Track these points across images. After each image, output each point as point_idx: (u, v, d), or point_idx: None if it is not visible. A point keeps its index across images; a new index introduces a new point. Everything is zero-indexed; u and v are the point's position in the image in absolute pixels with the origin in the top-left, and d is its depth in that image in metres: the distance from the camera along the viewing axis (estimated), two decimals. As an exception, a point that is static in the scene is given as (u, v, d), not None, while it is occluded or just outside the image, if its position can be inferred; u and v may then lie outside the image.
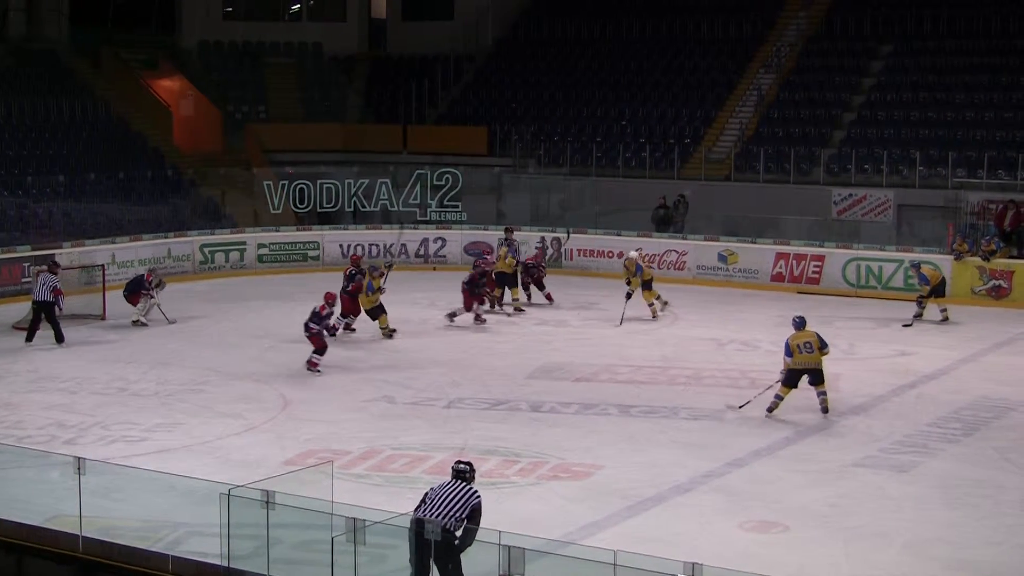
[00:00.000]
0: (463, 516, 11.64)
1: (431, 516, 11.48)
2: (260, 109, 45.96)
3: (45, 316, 25.67)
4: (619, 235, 35.32)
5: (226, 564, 11.09)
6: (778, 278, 32.89)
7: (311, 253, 36.04)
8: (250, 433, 19.31)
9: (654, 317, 28.81)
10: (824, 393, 20.43)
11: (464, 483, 12.01)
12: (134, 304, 28.23)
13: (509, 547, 10.39)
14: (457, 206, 37.45)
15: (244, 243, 35.68)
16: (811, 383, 20.41)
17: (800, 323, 20.69)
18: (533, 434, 19.24)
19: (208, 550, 11.38)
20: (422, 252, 36.79)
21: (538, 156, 41.22)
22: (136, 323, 27.75)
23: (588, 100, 43.16)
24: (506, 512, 15.19)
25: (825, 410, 20.37)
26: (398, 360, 24.52)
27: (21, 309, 28.55)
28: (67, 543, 11.66)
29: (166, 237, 34.46)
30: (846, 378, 22.92)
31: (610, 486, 16.74)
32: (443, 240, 36.78)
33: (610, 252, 35.03)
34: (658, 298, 29.14)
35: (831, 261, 32.31)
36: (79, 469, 11.89)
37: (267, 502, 11.09)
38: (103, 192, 37.21)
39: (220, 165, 41.33)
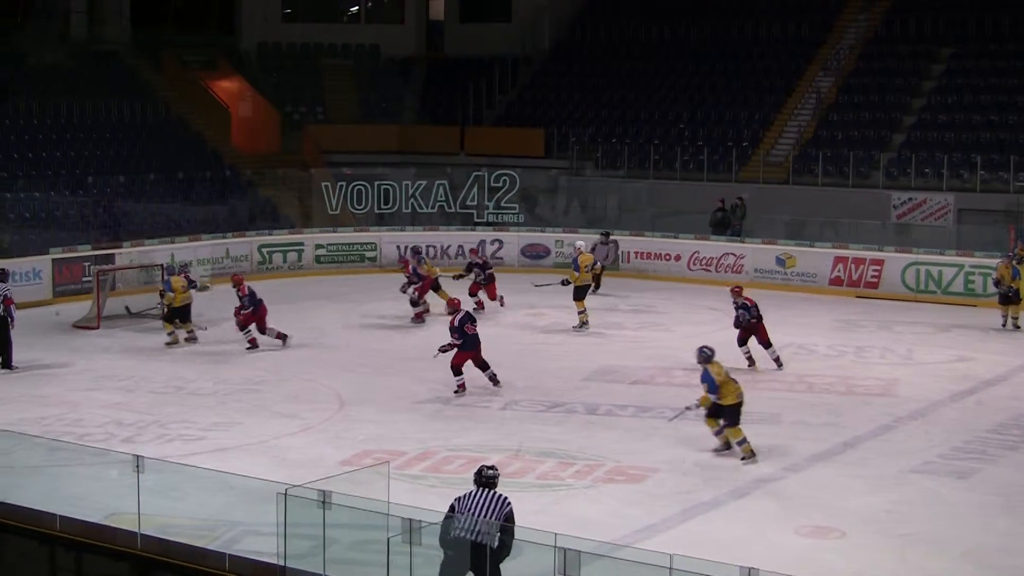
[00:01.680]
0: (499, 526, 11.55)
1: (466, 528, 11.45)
2: (318, 110, 46.15)
3: None
4: (676, 238, 35.27)
5: (282, 563, 11.12)
6: (836, 282, 32.69)
7: (368, 254, 36.15)
8: (306, 433, 19.37)
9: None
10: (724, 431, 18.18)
11: (491, 490, 11.90)
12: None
13: (565, 549, 10.36)
14: (514, 208, 37.47)
15: (302, 244, 35.85)
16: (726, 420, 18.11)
17: (711, 354, 18.40)
18: (589, 437, 19.21)
19: (264, 549, 11.42)
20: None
21: (595, 158, 41.18)
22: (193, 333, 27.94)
23: (646, 102, 43.07)
24: (561, 514, 15.21)
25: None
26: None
27: (82, 308, 28.85)
28: (125, 540, 11.73)
29: (224, 237, 34.66)
30: (904, 383, 22.77)
31: (666, 489, 16.69)
32: (500, 242, 36.79)
33: (667, 255, 34.99)
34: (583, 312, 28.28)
35: (890, 265, 32.07)
36: (138, 467, 11.96)
37: (323, 502, 11.11)
38: (162, 192, 37.48)
39: (278, 166, 41.51)
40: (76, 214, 35.10)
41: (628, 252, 35.41)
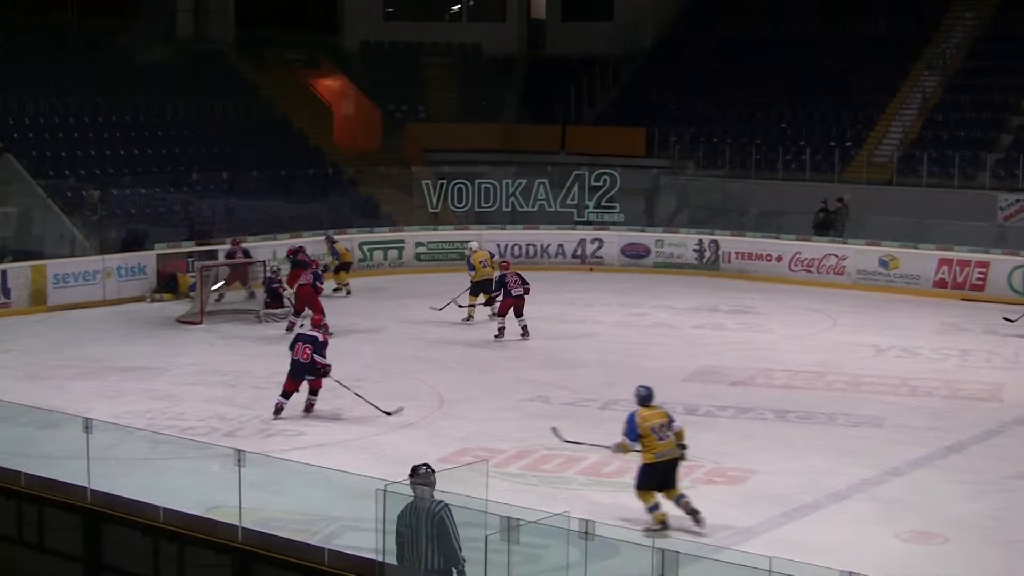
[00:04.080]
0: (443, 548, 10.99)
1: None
2: (419, 109, 46.34)
3: None
4: (778, 238, 35.01)
5: (381, 559, 11.15)
6: (941, 284, 32.26)
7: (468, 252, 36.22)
8: (406, 430, 19.43)
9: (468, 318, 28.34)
10: (683, 495, 15.18)
11: (427, 503, 11.12)
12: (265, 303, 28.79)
13: (663, 550, 10.30)
14: (614, 207, 37.38)
15: (402, 241, 36.05)
16: (660, 487, 15.08)
17: (647, 395, 15.37)
18: (688, 437, 19.05)
19: (363, 544, 11.46)
20: (579, 253, 36.78)
21: (696, 158, 40.95)
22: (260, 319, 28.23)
23: (748, 101, 42.76)
24: (660, 515, 15.11)
25: (694, 511, 15.00)
26: (553, 360, 24.52)
27: (186, 303, 29.24)
28: (226, 533, 11.83)
29: (324, 234, 34.89)
30: (1011, 388, 22.42)
31: (765, 492, 16.54)
32: (600, 241, 36.73)
33: (768, 256, 34.75)
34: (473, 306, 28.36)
35: (996, 268, 31.60)
36: (239, 461, 12.05)
37: (422, 498, 11.13)
38: (265, 189, 37.82)
39: (379, 164, 41.73)
40: (181, 211, 35.55)
41: (729, 252, 35.23)
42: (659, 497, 14.98)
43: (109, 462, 14.07)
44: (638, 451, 15.05)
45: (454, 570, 11.00)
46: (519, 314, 26.62)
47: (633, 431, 14.99)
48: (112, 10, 43.45)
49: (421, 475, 11.11)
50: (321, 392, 20.26)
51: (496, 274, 27.54)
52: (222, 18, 45.16)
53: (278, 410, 20.06)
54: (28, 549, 13.05)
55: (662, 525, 14.90)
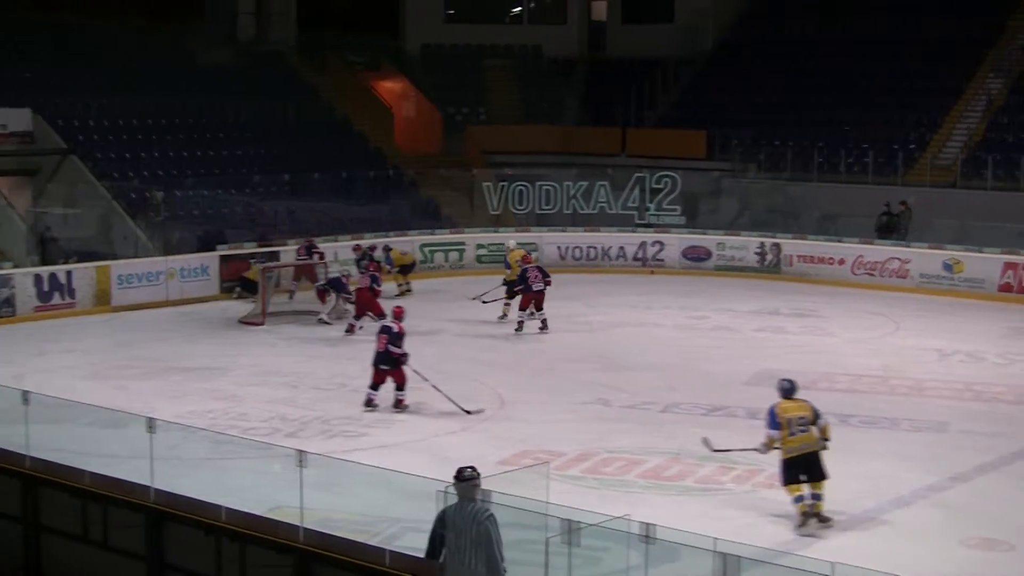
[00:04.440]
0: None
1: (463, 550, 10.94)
2: (480, 111, 46.39)
3: None
4: (840, 242, 34.79)
5: (441, 560, 11.16)
6: (1006, 288, 31.93)
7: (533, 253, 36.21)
8: (466, 432, 19.45)
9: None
10: (820, 497, 15.28)
11: (472, 504, 11.09)
12: (321, 300, 28.79)
13: (724, 554, 10.24)
14: (675, 210, 37.29)
15: (463, 243, 36.10)
16: (808, 480, 15.27)
17: (789, 388, 15.60)
18: (750, 442, 18.97)
19: (424, 546, 11.46)
20: (639, 255, 36.70)
21: (758, 160, 40.75)
22: (321, 321, 28.22)
23: (809, 103, 42.48)
24: (721, 519, 15.06)
25: (820, 518, 15.15)
26: (613, 363, 24.47)
27: (248, 303, 29.42)
28: (288, 533, 11.87)
29: (387, 236, 35.00)
30: (1078, 394, 22.18)
31: (827, 496, 16.39)
32: (660, 244, 36.63)
33: (830, 259, 34.54)
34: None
35: (1063, 272, 31.31)
36: (300, 462, 12.09)
37: (482, 500, 11.13)
38: (326, 191, 37.94)
39: (440, 166, 41.82)
40: (243, 212, 35.76)
41: (791, 256, 35.06)
42: (806, 489, 15.15)
43: (172, 462, 14.16)
44: (777, 448, 15.32)
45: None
46: (539, 308, 27.19)
47: (774, 421, 15.25)
48: (175, 13, 43.77)
49: (466, 478, 11.08)
50: (387, 388, 20.34)
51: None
52: (284, 20, 45.43)
53: (368, 402, 20.53)
54: (93, 547, 13.16)
55: (805, 517, 15.10)
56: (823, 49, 44.29)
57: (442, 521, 11.11)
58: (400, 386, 20.59)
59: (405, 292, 31.52)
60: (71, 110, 36.22)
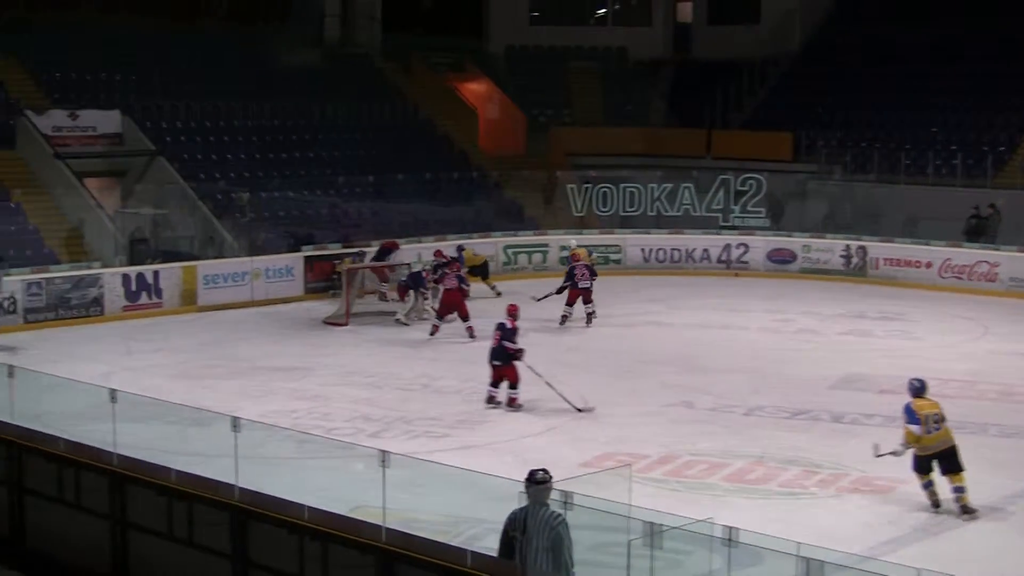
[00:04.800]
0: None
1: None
2: (564, 113, 46.35)
3: None
4: (927, 244, 34.39)
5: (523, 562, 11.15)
6: (1097, 292, 31.49)
7: (613, 256, 36.14)
8: (549, 433, 19.46)
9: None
10: (963, 489, 15.86)
11: (544, 509, 11.09)
12: (401, 298, 28.87)
13: (808, 559, 10.15)
14: (760, 212, 37.07)
15: (546, 245, 36.08)
16: (944, 471, 15.93)
17: (920, 387, 16.31)
18: (834, 445, 18.85)
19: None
20: (724, 258, 36.53)
21: (844, 162, 40.38)
22: (398, 322, 28.29)
23: (897, 105, 42.01)
24: (804, 523, 14.97)
25: (965, 509, 15.76)
26: (696, 366, 24.37)
27: (332, 304, 29.59)
28: (370, 533, 11.88)
29: (470, 238, 35.08)
30: None
31: (913, 502, 16.24)
32: (745, 246, 36.43)
33: (917, 262, 34.16)
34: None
35: None
36: (383, 462, 12.11)
37: (564, 502, 11.10)
38: (410, 192, 38.08)
39: (524, 168, 41.82)
40: (328, 214, 35.97)
41: (877, 259, 34.73)
42: (937, 476, 15.81)
43: (256, 460, 14.24)
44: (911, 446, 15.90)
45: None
46: (587, 301, 28.32)
47: (913, 417, 15.80)
48: (261, 15, 44.16)
49: (539, 481, 11.06)
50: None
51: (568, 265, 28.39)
52: (369, 22, 45.66)
53: (490, 399, 20.87)
54: (178, 544, 13.27)
55: (934, 503, 15.82)
56: (911, 49, 43.76)
57: (512, 523, 11.11)
58: (513, 384, 20.80)
59: (497, 295, 31.32)
60: (159, 112, 36.63)
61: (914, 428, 15.73)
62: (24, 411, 15.81)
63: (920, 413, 15.76)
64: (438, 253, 31.14)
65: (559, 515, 10.99)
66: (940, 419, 15.81)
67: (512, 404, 20.70)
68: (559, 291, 28.67)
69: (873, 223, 36.87)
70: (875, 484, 16.93)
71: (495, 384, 20.84)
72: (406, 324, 28.16)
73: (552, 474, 11.06)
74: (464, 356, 24.91)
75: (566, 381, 22.59)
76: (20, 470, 14.98)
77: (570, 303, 28.29)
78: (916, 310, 30.45)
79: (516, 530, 11.08)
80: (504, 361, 20.69)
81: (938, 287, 33.36)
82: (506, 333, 20.78)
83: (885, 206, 37.67)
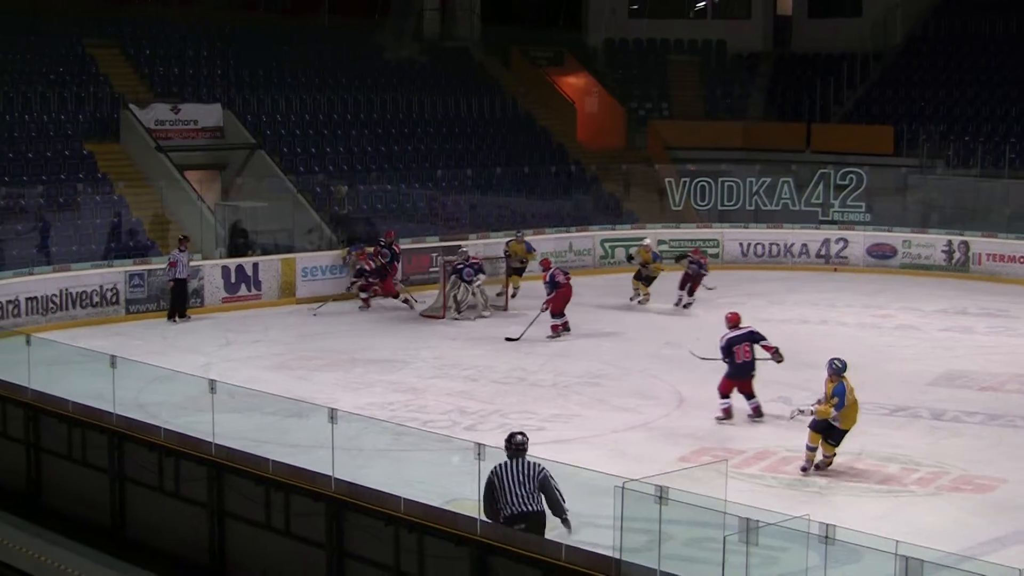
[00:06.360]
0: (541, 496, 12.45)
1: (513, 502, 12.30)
2: (663, 106, 46.14)
3: None
4: (1031, 240, 33.91)
5: (617, 556, 11.12)
6: None
7: (711, 251, 35.93)
8: (645, 428, 19.40)
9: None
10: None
11: (522, 459, 12.52)
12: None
13: (907, 557, 10.04)
14: (860, 206, 36.71)
15: (644, 239, 35.91)
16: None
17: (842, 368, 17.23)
18: (934, 443, 18.63)
19: (600, 541, 11.44)
20: (823, 252, 36.22)
21: (946, 156, 39.84)
22: (479, 316, 28.41)
23: (1001, 98, 41.39)
24: (903, 521, 14.82)
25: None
26: (794, 361, 24.08)
27: (430, 296, 29.68)
28: (465, 525, 11.93)
29: (568, 231, 35.07)
30: None
31: (1015, 501, 16.02)
32: (845, 241, 36.10)
33: (1021, 258, 33.64)
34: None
35: None
36: (479, 455, 12.16)
37: (661, 497, 11.06)
38: (508, 186, 38.15)
39: (622, 161, 41.71)
40: (426, 206, 36.13)
41: (979, 254, 34.27)
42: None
43: (352, 452, 14.34)
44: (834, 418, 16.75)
45: (560, 519, 12.48)
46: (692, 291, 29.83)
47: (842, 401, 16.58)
48: (362, 9, 44.43)
49: (517, 443, 12.51)
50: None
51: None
52: (468, 16, 45.76)
53: (726, 412, 19.88)
54: (275, 534, 13.39)
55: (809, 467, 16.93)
56: (1016, 42, 43.10)
57: (496, 475, 12.36)
58: (751, 395, 19.96)
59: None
60: (260, 106, 36.95)
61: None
62: (125, 400, 16.05)
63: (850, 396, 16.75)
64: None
65: (540, 465, 12.47)
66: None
67: (756, 413, 20.02)
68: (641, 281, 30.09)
69: (976, 218, 36.36)
70: (976, 483, 16.71)
71: (728, 395, 19.90)
72: (485, 316, 28.23)
73: (655, 470, 11.21)
74: (558, 351, 24.91)
75: (663, 377, 22.60)
76: (121, 459, 15.21)
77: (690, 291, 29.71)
78: (1019, 306, 29.99)
79: (496, 475, 12.34)
80: (750, 373, 19.95)
81: (1042, 283, 32.89)
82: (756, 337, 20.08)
83: (988, 200, 37.14)
